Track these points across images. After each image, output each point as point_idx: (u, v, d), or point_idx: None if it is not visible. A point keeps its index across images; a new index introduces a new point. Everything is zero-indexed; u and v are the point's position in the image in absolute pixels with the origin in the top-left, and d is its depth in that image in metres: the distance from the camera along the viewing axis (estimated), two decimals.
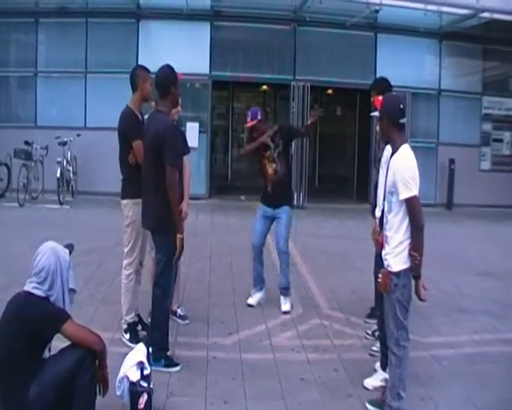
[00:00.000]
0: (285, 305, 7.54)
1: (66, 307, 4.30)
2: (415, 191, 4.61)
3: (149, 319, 6.71)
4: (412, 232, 4.63)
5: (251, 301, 7.66)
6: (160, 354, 5.63)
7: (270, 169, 7.55)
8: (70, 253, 4.52)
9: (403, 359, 4.84)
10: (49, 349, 4.25)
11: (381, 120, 4.94)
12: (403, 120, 4.86)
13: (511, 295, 8.67)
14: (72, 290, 4.50)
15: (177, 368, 5.70)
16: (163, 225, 5.67)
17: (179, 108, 6.73)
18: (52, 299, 4.18)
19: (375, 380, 5.51)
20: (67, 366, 4.03)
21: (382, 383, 5.31)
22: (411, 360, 5.90)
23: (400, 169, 4.66)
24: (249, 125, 7.59)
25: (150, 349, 5.24)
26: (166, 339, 5.81)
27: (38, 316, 4.05)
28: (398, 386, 4.83)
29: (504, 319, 7.54)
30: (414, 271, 4.65)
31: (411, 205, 4.61)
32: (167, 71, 5.85)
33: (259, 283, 7.73)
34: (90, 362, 4.10)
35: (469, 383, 5.67)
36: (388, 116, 4.84)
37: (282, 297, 7.59)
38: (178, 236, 5.61)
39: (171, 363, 5.72)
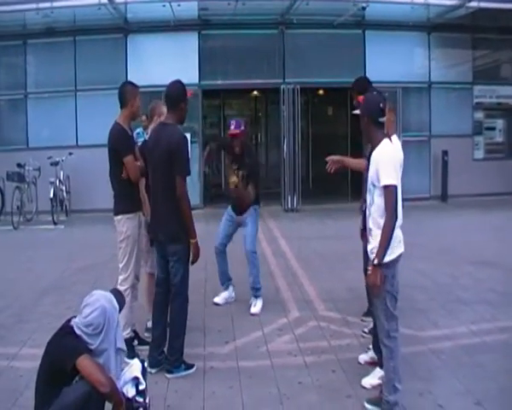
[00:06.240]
0: (254, 307, 7.69)
1: (112, 367, 4.35)
2: (395, 181, 4.73)
3: (145, 333, 6.77)
4: (385, 218, 4.73)
5: (217, 299, 7.92)
6: (180, 361, 5.85)
7: (231, 181, 7.76)
8: (120, 309, 4.58)
9: (394, 350, 4.89)
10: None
11: (362, 119, 5.04)
12: (382, 119, 4.96)
13: (508, 283, 8.64)
14: (120, 350, 4.52)
15: (194, 368, 5.92)
16: (177, 234, 5.78)
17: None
18: (92, 348, 4.25)
19: (373, 378, 5.50)
20: (76, 397, 4.04)
21: (380, 381, 5.30)
22: (410, 354, 5.96)
23: (382, 159, 4.81)
24: (232, 133, 7.63)
25: (169, 358, 5.73)
26: (183, 344, 5.96)
27: (58, 347, 4.19)
28: (394, 379, 4.86)
29: (502, 308, 7.52)
30: (376, 256, 4.72)
31: (388, 193, 4.73)
32: (179, 87, 5.99)
33: (225, 281, 7.96)
34: (98, 398, 4.11)
35: (469, 374, 5.64)
36: (369, 114, 4.97)
37: (252, 298, 7.80)
38: (192, 241, 5.78)
39: (189, 366, 5.91)
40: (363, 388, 5.43)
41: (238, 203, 7.80)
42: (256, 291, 7.75)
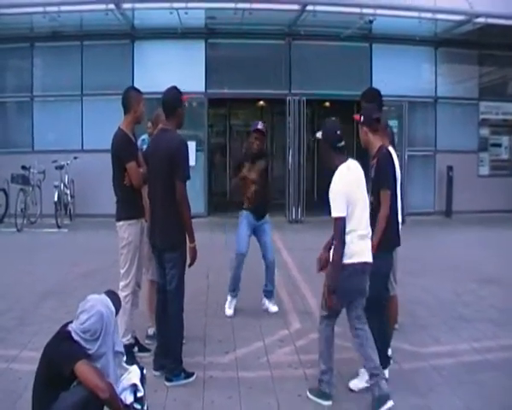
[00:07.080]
0: (274, 306, 8.15)
1: (110, 370, 4.35)
2: (342, 214, 5.05)
3: (146, 340, 6.75)
4: (334, 246, 5.14)
5: (229, 312, 7.97)
6: (180, 369, 5.83)
7: (250, 191, 7.99)
8: (117, 311, 4.59)
9: (321, 333, 5.54)
10: None
11: (322, 143, 5.38)
12: (340, 144, 5.26)
13: (511, 301, 8.60)
14: (118, 353, 4.52)
15: (194, 376, 5.89)
16: (174, 242, 5.79)
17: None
18: (90, 352, 4.25)
19: (361, 381, 5.71)
20: (74, 402, 4.03)
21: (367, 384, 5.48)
22: (410, 370, 5.95)
23: (333, 190, 5.13)
24: (260, 129, 8.08)
25: (169, 367, 5.71)
26: (181, 352, 5.95)
27: (56, 352, 4.18)
28: (319, 360, 5.47)
29: (504, 326, 7.48)
30: (328, 279, 5.25)
31: (336, 226, 5.12)
32: (174, 93, 5.99)
33: (237, 288, 8.04)
34: (96, 403, 4.10)
35: (469, 392, 5.61)
36: (326, 140, 5.30)
37: (267, 301, 8.16)
38: (191, 245, 5.80)
39: (189, 374, 5.89)
40: (352, 390, 5.62)
41: (261, 205, 8.07)
42: (272, 293, 8.23)
